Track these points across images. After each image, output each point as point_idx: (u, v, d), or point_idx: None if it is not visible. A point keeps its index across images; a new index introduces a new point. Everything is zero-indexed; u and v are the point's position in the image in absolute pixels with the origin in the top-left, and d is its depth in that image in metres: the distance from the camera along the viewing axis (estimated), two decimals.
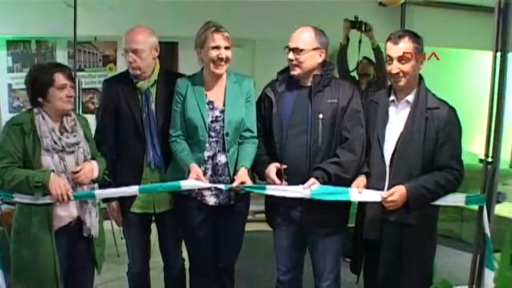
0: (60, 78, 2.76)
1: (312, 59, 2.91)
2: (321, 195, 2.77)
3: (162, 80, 3.16)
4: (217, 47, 2.92)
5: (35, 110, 2.78)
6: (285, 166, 2.85)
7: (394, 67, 2.79)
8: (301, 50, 2.89)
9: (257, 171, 3.03)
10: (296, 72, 2.93)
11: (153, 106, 3.11)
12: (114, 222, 3.30)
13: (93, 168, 2.87)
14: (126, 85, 3.13)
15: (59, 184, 2.66)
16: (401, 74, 2.79)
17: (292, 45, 2.92)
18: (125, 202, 3.13)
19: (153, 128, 3.11)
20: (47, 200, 2.70)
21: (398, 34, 2.81)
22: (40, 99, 2.76)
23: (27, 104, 6.29)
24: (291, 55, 2.92)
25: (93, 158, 2.94)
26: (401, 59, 2.77)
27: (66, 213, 2.82)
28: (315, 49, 2.91)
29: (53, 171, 2.71)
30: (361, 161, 2.89)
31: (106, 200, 3.16)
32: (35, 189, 2.65)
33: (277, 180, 2.84)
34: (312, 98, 2.91)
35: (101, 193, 2.91)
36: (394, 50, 2.80)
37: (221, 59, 2.93)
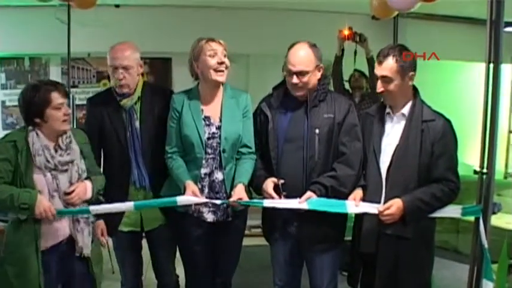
0: (56, 98, 2.69)
1: (314, 78, 2.90)
2: (318, 207, 2.76)
3: (146, 95, 3.12)
4: (215, 53, 2.87)
5: (29, 128, 2.72)
6: (282, 181, 2.84)
7: (378, 86, 2.82)
8: (307, 72, 2.86)
9: (253, 186, 3.01)
10: (301, 93, 2.90)
11: (137, 124, 3.08)
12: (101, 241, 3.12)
13: (86, 189, 2.80)
14: (110, 103, 3.09)
15: (44, 208, 2.61)
16: (385, 93, 2.82)
17: (296, 69, 2.85)
18: (113, 220, 3.08)
19: (137, 147, 3.07)
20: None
21: (383, 53, 2.81)
22: (37, 120, 2.70)
23: (20, 121, 6.26)
24: (295, 79, 2.86)
25: (88, 177, 2.86)
26: (384, 78, 2.79)
27: (57, 230, 2.76)
28: (316, 67, 2.90)
29: (39, 191, 2.65)
30: (358, 176, 2.88)
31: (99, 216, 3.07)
32: (19, 210, 2.59)
33: (274, 195, 2.82)
34: (308, 113, 2.89)
35: (95, 209, 2.84)
36: (378, 69, 2.82)
37: (221, 63, 2.88)
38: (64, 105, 2.74)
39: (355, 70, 5.09)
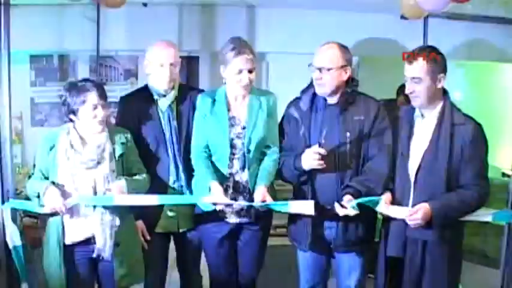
0: (92, 98, 2.72)
1: (338, 77, 2.86)
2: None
3: (182, 96, 3.12)
4: (240, 71, 2.86)
5: (65, 125, 2.79)
6: (322, 150, 2.74)
7: (408, 86, 2.78)
8: (329, 69, 2.83)
9: (294, 166, 2.87)
10: (322, 90, 2.88)
11: (175, 123, 3.06)
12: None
13: (120, 188, 2.76)
14: (146, 102, 3.08)
15: (52, 200, 2.65)
16: (415, 94, 2.77)
17: (318, 64, 2.85)
18: (149, 222, 3.07)
19: (176, 147, 3.05)
20: (46, 210, 2.71)
21: (414, 53, 2.78)
22: (72, 116, 2.76)
23: (49, 118, 6.44)
24: (317, 74, 2.85)
25: (131, 174, 2.86)
26: (414, 79, 2.75)
27: (82, 226, 2.78)
28: (341, 67, 2.86)
29: (54, 183, 2.71)
30: (389, 176, 2.84)
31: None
32: (36, 199, 2.72)
33: (322, 151, 2.74)
34: (338, 116, 2.86)
35: (120, 198, 2.76)
36: (407, 69, 2.78)
37: (245, 85, 2.89)
38: (99, 107, 2.75)
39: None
